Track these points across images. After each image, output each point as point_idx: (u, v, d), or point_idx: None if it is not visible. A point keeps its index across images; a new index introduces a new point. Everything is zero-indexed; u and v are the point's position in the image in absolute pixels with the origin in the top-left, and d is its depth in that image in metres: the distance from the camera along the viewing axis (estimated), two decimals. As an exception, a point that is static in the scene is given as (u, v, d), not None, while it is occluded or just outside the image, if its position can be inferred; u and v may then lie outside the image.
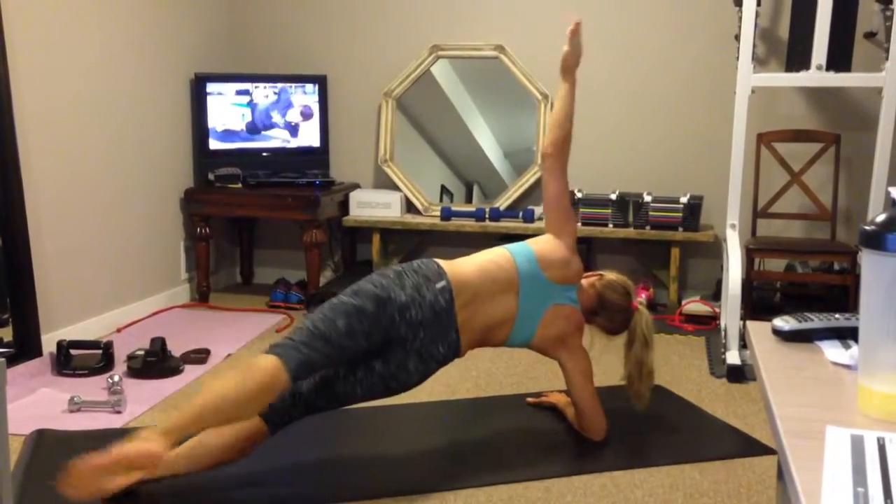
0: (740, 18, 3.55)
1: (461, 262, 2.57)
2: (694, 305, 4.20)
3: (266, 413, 2.31)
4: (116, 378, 3.02)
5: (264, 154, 4.67)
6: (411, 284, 2.38)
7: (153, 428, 2.09)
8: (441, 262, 2.52)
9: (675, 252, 4.26)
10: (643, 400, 2.70)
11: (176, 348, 3.54)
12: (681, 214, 4.20)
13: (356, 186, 4.80)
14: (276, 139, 4.69)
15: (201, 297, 4.51)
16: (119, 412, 2.92)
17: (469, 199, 4.72)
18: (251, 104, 4.61)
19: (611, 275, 2.77)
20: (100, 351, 3.37)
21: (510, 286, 2.55)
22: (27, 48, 3.37)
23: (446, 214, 4.51)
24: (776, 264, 4.27)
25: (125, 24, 3.96)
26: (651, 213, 4.24)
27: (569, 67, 2.76)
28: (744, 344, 3.44)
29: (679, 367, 3.48)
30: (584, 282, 2.73)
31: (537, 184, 4.59)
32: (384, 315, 2.30)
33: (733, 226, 3.59)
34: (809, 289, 4.29)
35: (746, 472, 2.50)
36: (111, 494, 2.24)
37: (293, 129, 4.71)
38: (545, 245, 2.66)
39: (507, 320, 2.55)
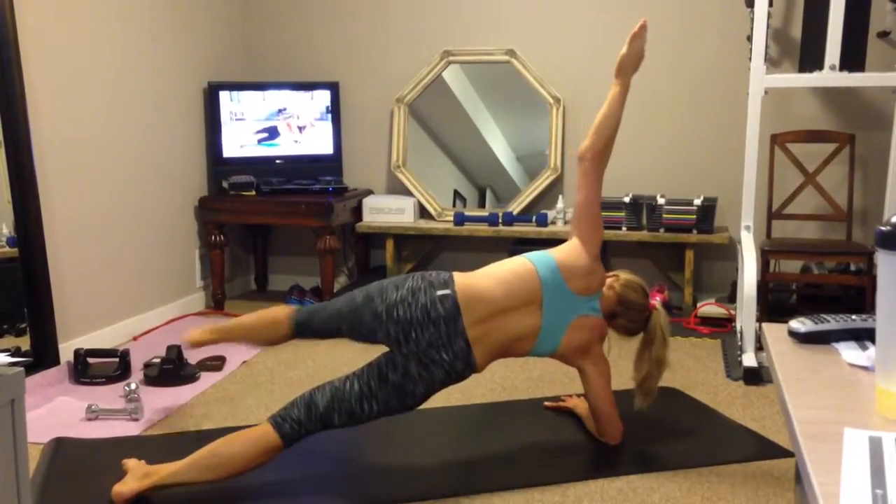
0: (752, 19, 3.54)
1: (479, 276, 2.54)
2: (709, 308, 4.18)
3: (281, 426, 2.31)
4: (133, 386, 3.04)
5: (277, 161, 4.69)
6: (410, 287, 2.43)
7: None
8: (458, 274, 2.51)
9: (689, 254, 4.25)
10: (652, 397, 2.68)
11: (192, 356, 3.55)
12: (695, 216, 4.18)
13: (369, 192, 4.82)
14: (289, 145, 4.70)
15: (216, 304, 4.53)
16: (136, 420, 2.93)
17: (482, 204, 4.72)
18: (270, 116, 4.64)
19: (626, 274, 2.74)
20: (117, 359, 3.40)
21: (532, 299, 2.52)
22: (43, 61, 3.40)
23: (459, 219, 4.51)
24: (791, 266, 4.25)
25: (139, 34, 3.99)
26: (665, 215, 4.23)
27: (623, 70, 2.64)
28: (760, 346, 3.42)
29: (695, 370, 3.46)
30: None
31: (550, 188, 4.59)
32: (368, 310, 2.43)
33: (748, 227, 3.58)
34: (825, 290, 4.27)
35: (764, 475, 2.49)
36: (124, 502, 2.25)
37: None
38: (568, 254, 2.61)
39: (531, 334, 2.52)
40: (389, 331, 2.37)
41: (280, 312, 2.62)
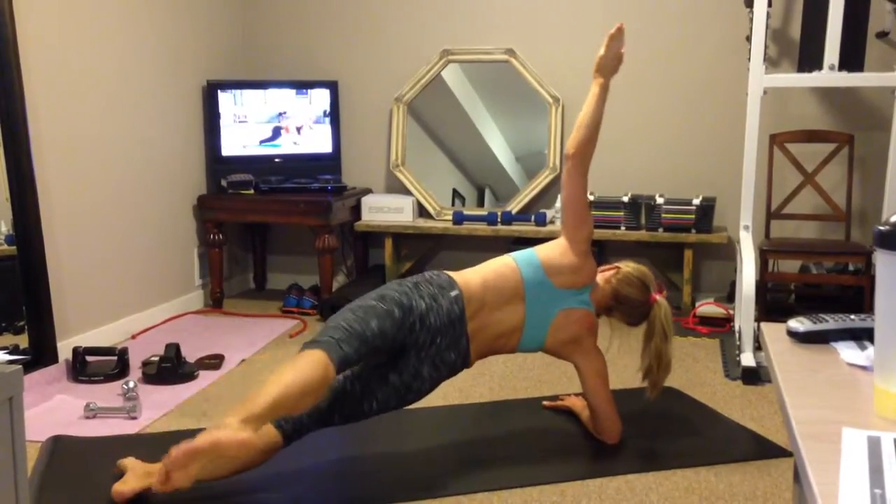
0: (751, 20, 3.54)
1: (467, 274, 2.57)
2: (708, 307, 4.18)
3: (281, 424, 2.32)
4: (132, 384, 3.03)
5: (276, 160, 4.68)
6: (428, 293, 2.42)
7: (232, 418, 2.04)
8: (450, 273, 2.54)
9: (688, 254, 4.25)
10: (658, 389, 2.67)
11: (190, 354, 3.55)
12: (693, 216, 4.18)
13: (368, 191, 4.81)
14: (288, 144, 4.70)
15: (215, 302, 4.53)
16: (134, 418, 2.93)
17: (481, 203, 4.72)
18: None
19: (628, 267, 2.72)
20: (115, 357, 3.39)
21: (515, 295, 2.55)
22: (41, 59, 3.39)
23: (458, 219, 4.51)
24: (790, 265, 4.25)
25: (138, 32, 3.99)
26: (664, 215, 4.23)
27: (601, 71, 2.64)
28: (759, 346, 3.42)
29: (694, 370, 3.46)
30: (599, 277, 2.70)
31: (549, 187, 4.59)
32: (407, 322, 2.34)
33: (746, 227, 3.58)
34: (824, 290, 4.27)
35: (762, 474, 2.49)
36: (125, 501, 2.25)
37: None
38: (552, 251, 2.63)
39: (516, 329, 2.56)
40: (418, 338, 2.37)
41: (316, 362, 2.16)
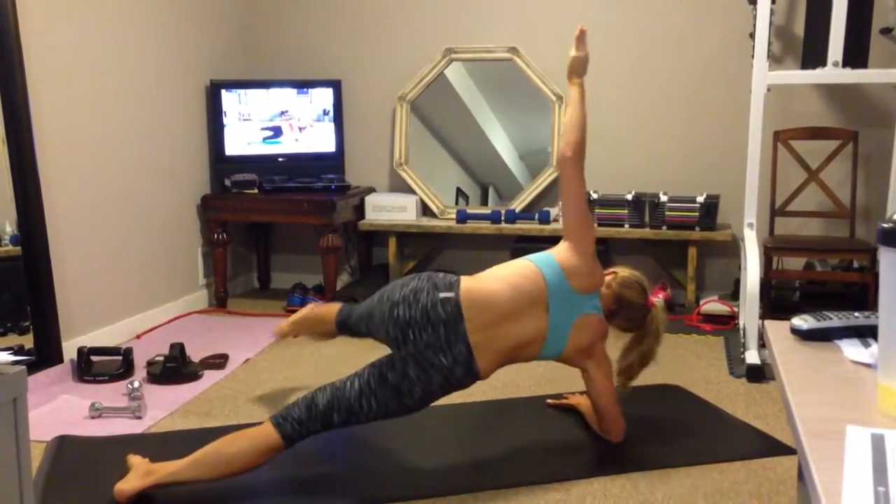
0: (755, 16, 3.53)
1: (486, 279, 2.51)
2: (712, 305, 4.18)
3: (282, 426, 2.31)
4: (136, 384, 3.04)
5: (280, 159, 4.69)
6: (413, 287, 2.42)
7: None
8: (465, 278, 2.49)
9: (692, 252, 4.25)
10: (632, 380, 2.70)
11: (195, 354, 3.56)
12: (697, 214, 4.18)
13: (372, 190, 4.82)
14: (291, 143, 4.70)
15: (219, 302, 4.54)
16: (139, 418, 2.94)
17: (484, 202, 4.72)
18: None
19: (624, 271, 2.72)
20: (120, 357, 3.40)
21: (538, 300, 2.49)
22: (45, 59, 3.40)
23: (462, 217, 4.51)
24: (794, 263, 4.24)
25: (142, 32, 3.99)
26: (667, 212, 4.23)
27: (576, 72, 2.76)
28: (763, 343, 3.42)
29: (698, 368, 3.46)
30: None
31: (553, 185, 4.58)
32: (378, 310, 2.45)
33: (751, 225, 3.57)
34: (828, 287, 4.26)
35: (767, 472, 2.49)
36: (126, 500, 2.26)
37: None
38: (567, 254, 2.59)
39: (538, 337, 2.50)
40: (389, 330, 2.37)
41: (330, 310, 2.83)
